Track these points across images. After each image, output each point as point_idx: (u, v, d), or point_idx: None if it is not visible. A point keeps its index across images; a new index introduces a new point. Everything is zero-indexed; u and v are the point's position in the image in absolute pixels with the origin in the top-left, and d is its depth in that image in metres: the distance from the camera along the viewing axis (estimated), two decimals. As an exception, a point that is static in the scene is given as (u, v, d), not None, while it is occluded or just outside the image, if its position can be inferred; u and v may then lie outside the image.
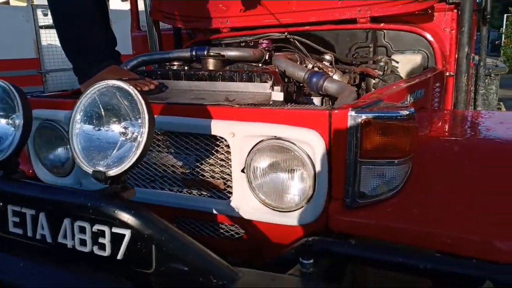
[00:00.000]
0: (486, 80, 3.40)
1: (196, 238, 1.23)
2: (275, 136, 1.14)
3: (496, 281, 0.87)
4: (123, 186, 0.97)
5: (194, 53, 1.89)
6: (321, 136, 1.10)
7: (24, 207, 1.10)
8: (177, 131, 1.27)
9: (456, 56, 2.03)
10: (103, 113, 0.96)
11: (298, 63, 1.85)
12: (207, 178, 1.29)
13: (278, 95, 1.30)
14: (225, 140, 1.20)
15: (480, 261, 0.92)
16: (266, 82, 1.39)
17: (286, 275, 0.99)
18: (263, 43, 2.07)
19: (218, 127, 1.19)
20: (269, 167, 1.17)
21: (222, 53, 1.83)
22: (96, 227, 0.98)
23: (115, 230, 0.95)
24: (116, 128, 0.95)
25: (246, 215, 1.23)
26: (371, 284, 1.19)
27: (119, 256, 0.97)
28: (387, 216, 1.08)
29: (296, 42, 2.16)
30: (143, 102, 0.90)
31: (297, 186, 1.16)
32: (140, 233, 0.91)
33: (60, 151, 1.52)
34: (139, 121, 0.91)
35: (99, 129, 0.96)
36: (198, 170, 1.29)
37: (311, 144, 1.10)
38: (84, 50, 1.52)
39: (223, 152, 1.25)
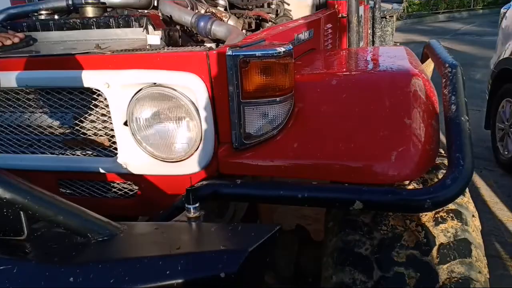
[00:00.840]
0: (382, 22, 3.54)
1: (88, 200, 1.17)
2: (154, 83, 1.08)
3: (364, 201, 0.93)
4: None
5: (70, 2, 1.71)
6: (201, 79, 1.06)
7: None
8: (47, 86, 1.15)
9: (347, -2, 2.07)
10: None
11: (189, 8, 1.75)
12: (90, 136, 1.20)
13: (154, 39, 1.22)
14: (102, 92, 1.12)
15: (350, 185, 0.97)
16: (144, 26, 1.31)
17: (171, 221, 0.98)
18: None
19: (90, 78, 1.10)
20: (152, 117, 1.12)
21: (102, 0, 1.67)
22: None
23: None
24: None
25: (135, 170, 1.18)
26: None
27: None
28: (271, 153, 1.09)
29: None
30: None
31: (184, 134, 1.12)
32: (1, 198, 0.83)
33: None
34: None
35: None
36: (78, 128, 1.20)
37: (192, 88, 1.06)
38: None
39: (102, 106, 1.16)
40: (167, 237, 0.84)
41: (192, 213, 0.96)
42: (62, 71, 1.10)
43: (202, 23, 1.47)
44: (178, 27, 1.48)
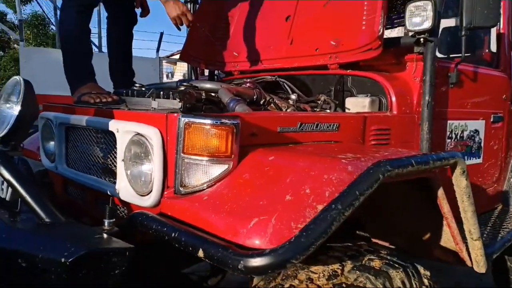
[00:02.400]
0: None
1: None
2: (137, 133, 1.47)
3: (206, 251, 1.03)
4: (13, 146, 1.41)
5: (178, 84, 2.32)
6: (160, 133, 1.39)
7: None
8: (93, 127, 1.69)
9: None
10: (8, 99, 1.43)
11: (255, 97, 2.13)
12: (109, 165, 1.66)
13: (175, 104, 1.62)
14: (115, 135, 1.57)
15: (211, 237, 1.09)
16: (175, 99, 1.73)
17: (92, 227, 1.29)
18: (247, 83, 2.40)
19: (110, 125, 1.57)
20: (133, 157, 1.49)
21: (197, 85, 2.22)
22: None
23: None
24: (9, 109, 1.41)
25: (123, 197, 1.55)
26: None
27: (8, 197, 1.41)
28: (193, 204, 1.29)
29: (284, 83, 2.43)
30: (22, 89, 1.35)
31: (147, 175, 1.44)
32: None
33: (51, 143, 2.07)
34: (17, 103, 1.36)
35: (4, 108, 1.44)
36: (106, 158, 1.68)
37: (153, 139, 1.40)
38: (72, 70, 2.10)
39: (115, 146, 1.61)
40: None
41: (106, 226, 1.26)
42: (98, 118, 1.62)
43: (231, 104, 1.82)
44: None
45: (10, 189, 1.43)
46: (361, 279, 1.17)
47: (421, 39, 1.99)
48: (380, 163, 1.15)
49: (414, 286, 1.26)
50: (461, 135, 2.44)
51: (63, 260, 1.04)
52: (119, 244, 1.14)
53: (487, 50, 2.89)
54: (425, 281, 1.32)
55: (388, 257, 1.30)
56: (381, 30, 1.98)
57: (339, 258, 1.25)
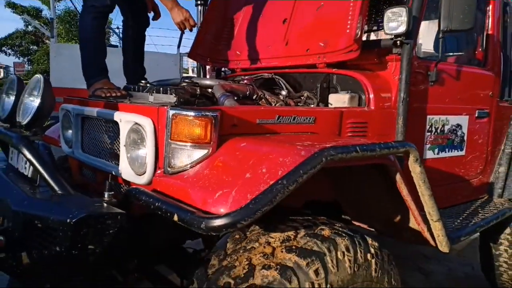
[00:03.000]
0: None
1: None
2: (135, 122, 1.74)
3: (179, 215, 1.30)
4: (34, 133, 1.72)
5: (181, 80, 2.59)
6: (153, 123, 1.66)
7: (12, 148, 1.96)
8: (102, 117, 1.98)
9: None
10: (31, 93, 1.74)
11: (248, 92, 2.38)
12: (114, 150, 1.95)
13: (171, 99, 1.90)
14: (119, 124, 1.86)
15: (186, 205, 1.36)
16: (171, 94, 2.00)
17: (94, 198, 1.57)
18: (244, 79, 2.65)
19: (115, 115, 1.86)
20: (132, 143, 1.77)
21: (197, 81, 2.48)
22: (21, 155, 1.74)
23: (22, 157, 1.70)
24: (31, 101, 1.72)
25: (124, 176, 1.84)
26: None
27: (29, 174, 1.72)
28: (180, 181, 1.56)
29: (279, 80, 2.66)
30: (41, 85, 1.65)
31: (142, 158, 1.72)
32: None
33: (69, 132, 2.38)
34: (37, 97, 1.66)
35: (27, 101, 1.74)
36: (112, 144, 1.97)
37: (147, 128, 1.67)
38: (88, 67, 2.40)
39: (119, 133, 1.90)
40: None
41: (106, 197, 1.55)
42: (108, 110, 1.91)
43: (221, 99, 2.08)
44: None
45: (31, 168, 1.74)
46: (310, 243, 1.41)
47: (398, 42, 2.19)
48: (325, 148, 1.39)
49: (359, 252, 1.49)
50: (442, 129, 2.61)
51: (68, 220, 1.33)
52: (113, 210, 1.42)
53: (480, 49, 3.03)
54: (372, 249, 1.54)
55: (340, 228, 1.54)
56: (359, 34, 2.19)
57: (296, 228, 1.50)
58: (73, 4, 30.36)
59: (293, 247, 1.39)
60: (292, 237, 1.44)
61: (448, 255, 4.08)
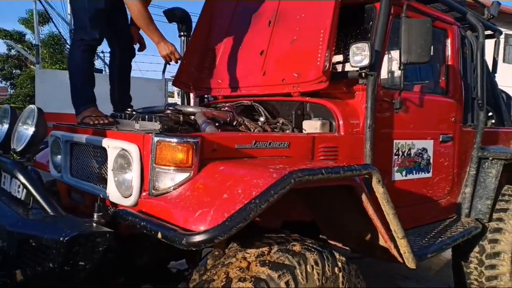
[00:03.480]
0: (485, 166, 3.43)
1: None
2: (122, 148, 1.90)
3: (163, 233, 1.45)
4: (27, 159, 1.85)
5: (165, 107, 2.76)
6: (138, 149, 1.82)
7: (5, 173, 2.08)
8: (90, 143, 2.13)
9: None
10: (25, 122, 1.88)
11: (228, 119, 2.55)
12: (102, 174, 2.09)
13: (156, 126, 2.05)
14: (107, 150, 2.00)
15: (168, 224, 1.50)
16: (156, 122, 2.16)
17: (84, 219, 1.70)
18: (225, 106, 2.84)
19: (103, 142, 2.01)
20: (119, 167, 1.92)
21: (180, 109, 2.65)
22: (15, 180, 1.87)
23: (17, 181, 1.83)
24: (25, 129, 1.86)
25: (111, 199, 1.97)
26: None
27: (22, 197, 1.84)
28: (157, 203, 1.70)
29: (258, 107, 2.85)
30: (35, 115, 1.80)
31: (129, 181, 1.87)
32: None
33: (58, 157, 2.51)
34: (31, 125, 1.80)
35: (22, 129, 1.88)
36: (100, 170, 2.11)
37: (133, 153, 1.82)
38: (77, 96, 2.56)
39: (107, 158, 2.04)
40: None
41: (95, 218, 1.68)
42: (96, 136, 2.06)
43: (202, 125, 2.26)
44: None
45: (24, 191, 1.86)
46: (282, 257, 1.56)
47: (363, 73, 2.41)
48: (293, 171, 1.56)
49: (327, 266, 1.64)
50: (408, 152, 2.83)
51: (61, 239, 1.45)
52: (102, 229, 1.55)
53: (443, 79, 3.29)
54: (339, 263, 1.70)
55: (310, 244, 1.69)
56: (327, 66, 2.41)
57: (270, 244, 1.65)
58: (57, 28, 30.49)
59: (267, 261, 1.54)
60: (266, 252, 1.59)
61: (426, 274, 4.29)
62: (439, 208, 3.17)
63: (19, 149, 1.83)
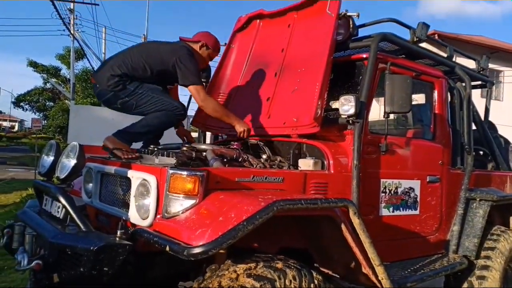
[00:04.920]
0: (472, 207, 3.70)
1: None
2: (143, 178, 2.32)
3: (170, 246, 1.84)
4: (68, 185, 2.30)
5: (182, 145, 3.20)
6: (156, 179, 2.24)
7: (49, 197, 2.54)
8: (118, 174, 2.57)
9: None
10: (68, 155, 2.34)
11: (235, 156, 2.97)
12: (126, 200, 2.51)
13: (171, 161, 2.48)
14: (131, 180, 2.43)
15: (173, 240, 1.89)
16: (172, 157, 2.59)
17: (109, 235, 2.11)
18: (234, 145, 3.26)
19: (128, 173, 2.44)
20: (139, 194, 2.34)
21: (195, 146, 3.09)
22: (56, 202, 2.31)
23: (58, 203, 2.27)
24: (68, 161, 2.32)
25: (132, 220, 2.38)
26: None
27: (61, 216, 2.28)
28: (173, 224, 2.10)
29: (262, 146, 3.26)
30: (77, 150, 2.26)
31: (146, 206, 2.28)
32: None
33: (90, 185, 2.96)
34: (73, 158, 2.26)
35: (65, 161, 2.34)
36: (124, 195, 2.53)
37: (152, 183, 2.25)
38: (128, 133, 2.98)
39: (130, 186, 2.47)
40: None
41: (118, 234, 2.09)
42: (123, 168, 2.50)
43: (211, 161, 2.67)
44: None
45: (63, 211, 2.29)
46: (265, 272, 1.92)
47: (350, 121, 2.81)
48: (276, 201, 1.94)
49: (304, 281, 1.98)
50: (395, 191, 3.16)
51: (91, 248, 1.86)
52: (123, 242, 1.96)
53: (431, 125, 3.64)
54: (315, 281, 2.04)
55: (291, 263, 2.05)
56: (319, 113, 2.82)
57: (257, 261, 2.01)
58: (90, 64, 32.28)
59: (252, 274, 1.90)
60: (253, 267, 1.95)
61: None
62: (427, 244, 3.44)
63: (62, 176, 2.28)
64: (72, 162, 2.29)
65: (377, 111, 3.66)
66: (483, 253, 3.56)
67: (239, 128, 3.22)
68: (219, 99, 3.92)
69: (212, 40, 3.47)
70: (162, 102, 3.04)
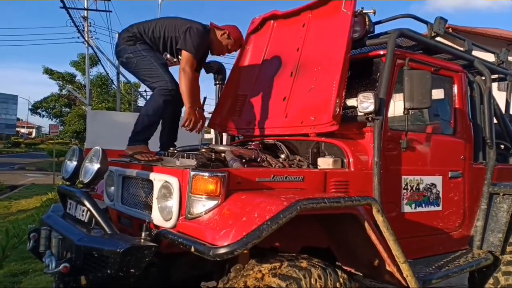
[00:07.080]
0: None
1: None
2: (165, 180, 2.34)
3: (195, 247, 1.85)
4: (91, 189, 2.33)
5: (201, 146, 3.22)
6: (178, 181, 2.25)
7: (73, 201, 2.58)
8: (140, 177, 2.60)
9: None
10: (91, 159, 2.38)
11: (253, 156, 2.97)
12: (148, 202, 2.54)
13: (191, 163, 2.49)
14: (153, 182, 2.46)
15: (197, 241, 1.90)
16: (192, 159, 2.60)
17: (134, 237, 2.13)
18: (252, 145, 3.27)
19: (150, 175, 2.46)
20: (162, 196, 2.36)
21: (213, 147, 3.10)
22: (80, 206, 2.35)
23: (83, 207, 2.31)
24: (91, 165, 2.35)
25: (155, 222, 2.40)
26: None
27: (86, 219, 2.31)
28: (197, 224, 2.11)
29: (280, 146, 3.26)
30: (100, 154, 2.29)
31: (169, 207, 2.29)
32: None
33: (112, 188, 3.00)
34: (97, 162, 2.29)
35: (88, 165, 2.38)
36: (146, 198, 2.56)
37: (174, 185, 2.26)
38: (138, 133, 3.02)
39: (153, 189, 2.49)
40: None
41: (143, 236, 2.11)
42: (145, 171, 2.53)
43: (230, 162, 2.68)
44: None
45: (88, 214, 2.33)
46: (290, 271, 1.92)
47: (370, 118, 2.78)
48: (300, 200, 1.93)
49: (329, 280, 1.98)
50: (417, 187, 3.12)
51: (118, 250, 1.88)
52: (148, 243, 1.98)
53: (452, 120, 3.59)
54: (341, 280, 2.03)
55: (316, 262, 2.04)
56: (337, 111, 2.80)
57: (282, 261, 2.01)
58: (104, 70, 32.74)
59: (277, 274, 1.90)
60: (278, 266, 1.95)
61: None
62: (450, 240, 3.39)
63: (86, 181, 2.32)
64: (96, 166, 2.33)
65: (391, 107, 3.63)
66: (508, 248, 3.49)
67: (185, 116, 3.15)
68: (233, 101, 3.93)
69: (235, 33, 3.54)
70: (156, 73, 3.13)
